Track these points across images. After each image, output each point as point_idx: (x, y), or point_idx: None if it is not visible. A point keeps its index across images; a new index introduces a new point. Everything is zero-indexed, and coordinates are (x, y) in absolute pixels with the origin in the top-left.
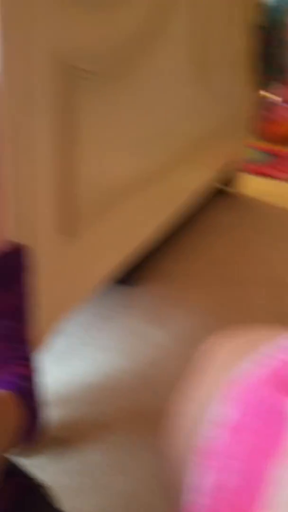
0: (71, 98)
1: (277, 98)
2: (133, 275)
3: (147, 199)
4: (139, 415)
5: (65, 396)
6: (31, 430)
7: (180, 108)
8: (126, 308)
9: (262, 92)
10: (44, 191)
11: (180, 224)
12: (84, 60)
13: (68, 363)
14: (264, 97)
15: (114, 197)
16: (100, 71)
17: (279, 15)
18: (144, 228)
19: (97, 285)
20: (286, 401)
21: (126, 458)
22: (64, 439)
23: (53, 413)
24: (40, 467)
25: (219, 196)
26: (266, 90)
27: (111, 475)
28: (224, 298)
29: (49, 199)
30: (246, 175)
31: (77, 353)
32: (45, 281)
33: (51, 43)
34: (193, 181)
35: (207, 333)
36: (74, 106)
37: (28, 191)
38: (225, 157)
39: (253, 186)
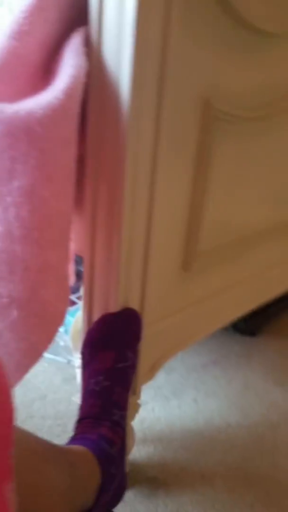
0: (210, 140)
1: None
2: (256, 325)
3: (274, 251)
4: (245, 477)
5: (164, 436)
6: (108, 494)
7: None
8: (244, 359)
9: None
10: (177, 227)
11: None
12: (229, 103)
13: (175, 404)
14: None
15: (238, 245)
16: (243, 116)
17: None
18: (268, 282)
19: (212, 329)
20: None
21: None
22: (156, 480)
23: (149, 450)
24: (129, 503)
25: None
26: None
27: None
28: None
29: (180, 236)
30: None
31: (185, 396)
32: (165, 314)
33: (201, 84)
34: None
35: None
36: (211, 148)
37: (162, 226)
38: None
39: None
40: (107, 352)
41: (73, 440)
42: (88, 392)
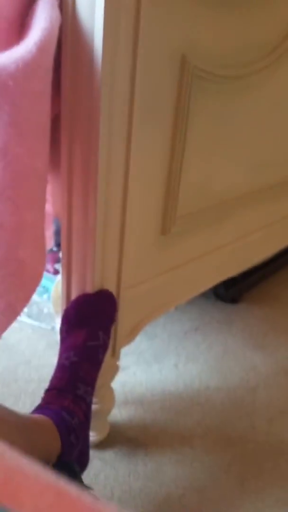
0: (187, 99)
1: None
2: (237, 292)
3: (254, 216)
4: (223, 438)
5: (145, 398)
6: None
7: None
8: (225, 325)
9: None
10: (155, 190)
11: None
12: (207, 61)
13: (156, 368)
14: None
15: (218, 210)
16: (222, 74)
17: None
18: (248, 248)
19: (192, 294)
20: None
21: (199, 475)
22: (136, 440)
23: (129, 412)
24: (109, 462)
25: None
26: None
27: (178, 487)
28: None
29: (158, 199)
30: None
31: (166, 361)
32: (144, 278)
33: (177, 40)
34: None
35: None
36: (189, 107)
37: (140, 188)
38: None
39: None
40: (80, 330)
41: (37, 409)
42: (59, 366)
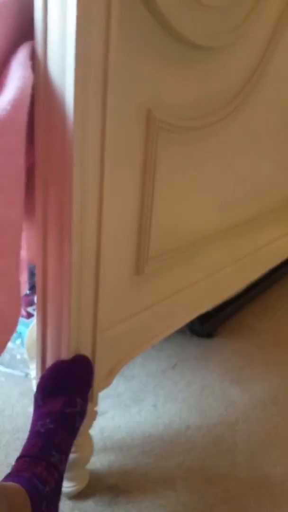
0: (154, 149)
1: None
2: (212, 327)
3: (223, 252)
4: (206, 477)
5: (125, 443)
6: None
7: (269, 168)
8: (202, 361)
9: None
10: (128, 233)
11: (268, 280)
12: (171, 113)
13: (135, 410)
14: None
15: (188, 248)
16: (185, 125)
17: None
18: (220, 283)
19: (167, 332)
20: None
21: None
22: (117, 487)
23: (109, 459)
24: None
25: None
26: None
27: None
28: None
29: (131, 241)
30: None
31: (145, 402)
32: (119, 318)
33: (142, 96)
34: (281, 242)
35: None
36: (156, 157)
37: (113, 232)
38: None
39: None
40: (57, 397)
41: (8, 477)
42: (33, 433)
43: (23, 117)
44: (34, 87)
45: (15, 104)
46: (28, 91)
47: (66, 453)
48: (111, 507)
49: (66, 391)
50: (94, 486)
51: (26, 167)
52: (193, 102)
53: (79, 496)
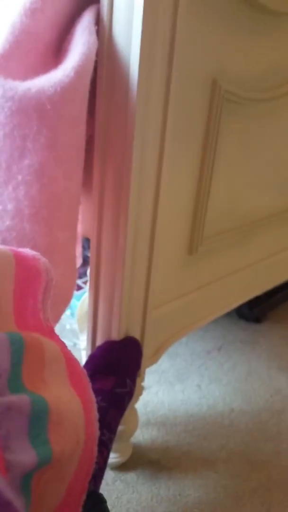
0: (218, 122)
1: None
2: (261, 312)
3: (280, 236)
4: (248, 463)
5: (168, 420)
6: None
7: None
8: (248, 345)
9: None
10: (184, 210)
11: None
12: (237, 85)
13: (179, 388)
14: None
15: (244, 230)
16: (251, 97)
17: None
18: (273, 268)
19: (217, 314)
20: None
21: (223, 501)
22: (159, 463)
23: (152, 434)
24: (131, 484)
25: None
26: None
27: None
28: None
29: (186, 219)
30: None
31: (189, 381)
32: (170, 298)
33: (209, 65)
34: None
35: None
36: (219, 130)
37: (169, 209)
38: None
39: None
40: (108, 376)
41: None
42: None
43: (86, 85)
44: (98, 54)
45: (79, 71)
46: (93, 57)
47: (115, 432)
48: (152, 481)
49: (117, 371)
50: (137, 460)
51: (85, 138)
52: (262, 73)
53: (121, 467)
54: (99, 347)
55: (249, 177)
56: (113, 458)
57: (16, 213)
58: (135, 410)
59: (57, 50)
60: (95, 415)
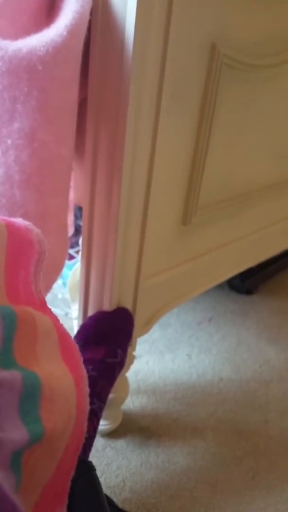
0: (216, 87)
1: None
2: (252, 284)
3: (274, 208)
4: (236, 431)
5: (158, 388)
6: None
7: None
8: (239, 316)
9: None
10: (178, 179)
11: None
12: (236, 49)
13: (169, 358)
14: None
15: (239, 201)
16: (251, 63)
17: None
18: (267, 240)
19: (209, 285)
20: None
21: (211, 468)
22: (149, 430)
23: (142, 401)
24: (121, 451)
25: None
26: None
27: (190, 479)
28: None
29: (181, 189)
30: None
31: (180, 351)
32: (163, 268)
33: (208, 28)
34: None
35: None
36: (217, 95)
37: (163, 178)
38: None
39: None
40: (99, 346)
41: None
42: None
43: (80, 45)
44: (92, 12)
45: (72, 30)
46: (86, 16)
47: (105, 401)
48: (142, 448)
49: (108, 342)
50: (127, 427)
51: (78, 102)
52: (262, 38)
53: (111, 434)
54: (91, 317)
55: (246, 146)
56: (103, 425)
57: (5, 179)
58: (126, 378)
59: (49, 8)
60: (86, 391)
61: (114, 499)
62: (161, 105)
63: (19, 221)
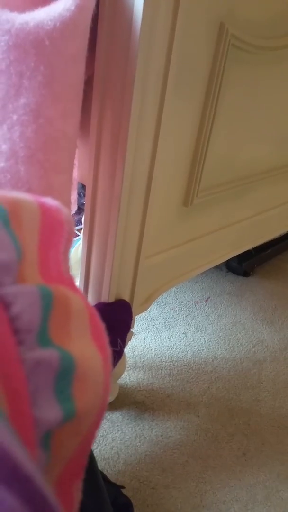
0: (222, 67)
1: None
2: (250, 266)
3: (275, 192)
4: (228, 408)
5: (154, 364)
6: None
7: None
8: (235, 297)
9: None
10: (182, 160)
11: None
12: (245, 30)
13: (166, 335)
14: None
15: (240, 184)
16: (259, 44)
17: None
18: (266, 223)
19: (208, 266)
20: None
21: (203, 444)
22: (144, 404)
23: (138, 376)
24: (117, 423)
25: None
26: None
27: (182, 454)
28: None
29: (183, 170)
30: None
31: (176, 329)
32: (163, 248)
33: (220, 10)
34: None
35: None
36: (223, 76)
37: (167, 158)
38: None
39: None
40: None
41: None
42: None
43: (88, 20)
44: None
45: (80, 5)
46: None
47: None
48: (136, 421)
49: (108, 332)
50: (123, 400)
51: (84, 78)
52: (271, 20)
53: (108, 407)
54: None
55: (249, 129)
56: None
57: (11, 155)
58: (124, 354)
59: None
60: (111, 370)
61: (108, 471)
62: (167, 85)
63: (49, 200)
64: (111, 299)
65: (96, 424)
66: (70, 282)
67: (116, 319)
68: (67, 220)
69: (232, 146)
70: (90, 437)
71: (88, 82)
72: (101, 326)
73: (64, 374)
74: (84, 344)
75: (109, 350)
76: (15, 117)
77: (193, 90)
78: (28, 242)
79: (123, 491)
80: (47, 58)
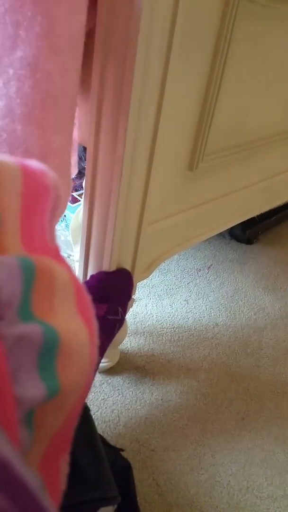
0: (232, 23)
1: None
2: (253, 234)
3: (281, 158)
4: (228, 374)
5: (155, 330)
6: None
7: None
8: (238, 265)
9: None
10: (187, 123)
11: None
12: None
13: (167, 302)
14: None
15: (246, 148)
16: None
17: None
18: (272, 190)
19: (211, 233)
20: None
21: (202, 407)
22: (144, 369)
23: (139, 342)
24: (117, 387)
25: None
26: None
27: (182, 417)
28: None
29: (189, 133)
30: None
31: (178, 296)
32: (167, 214)
33: None
34: None
35: None
36: (232, 34)
37: (171, 119)
38: None
39: None
40: (101, 303)
41: None
42: None
43: None
44: None
45: None
46: None
47: (103, 355)
48: (137, 385)
49: (109, 300)
50: (123, 365)
51: (85, 31)
52: None
53: (109, 371)
54: (93, 277)
55: (257, 92)
56: (102, 362)
57: (7, 112)
58: (125, 321)
59: None
60: (97, 343)
61: (109, 433)
62: (173, 40)
63: (33, 163)
64: (113, 267)
65: (81, 400)
66: (55, 252)
67: (117, 287)
68: (53, 185)
69: (240, 107)
70: (75, 412)
71: (89, 35)
72: (88, 299)
73: (48, 350)
74: (69, 318)
75: (95, 324)
76: (11, 71)
77: (201, 47)
78: (8, 208)
79: (123, 453)
80: (45, 7)
